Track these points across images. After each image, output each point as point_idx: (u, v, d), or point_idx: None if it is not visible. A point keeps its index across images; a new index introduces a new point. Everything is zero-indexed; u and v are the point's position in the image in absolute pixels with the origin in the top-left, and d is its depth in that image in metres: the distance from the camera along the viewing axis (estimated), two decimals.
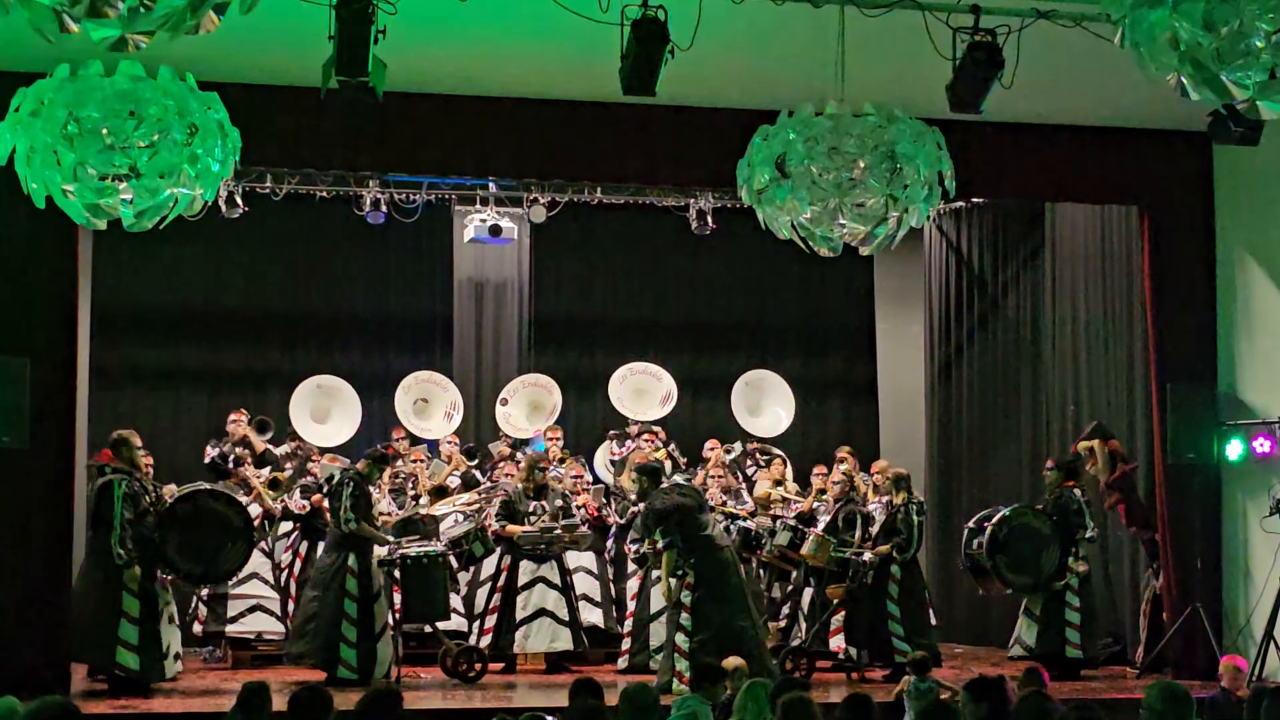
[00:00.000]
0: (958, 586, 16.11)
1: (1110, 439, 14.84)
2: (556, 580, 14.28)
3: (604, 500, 15.33)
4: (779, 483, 16.26)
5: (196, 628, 14.91)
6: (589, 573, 15.12)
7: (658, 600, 13.68)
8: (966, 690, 7.41)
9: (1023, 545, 14.36)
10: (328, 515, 14.12)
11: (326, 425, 16.41)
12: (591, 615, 14.91)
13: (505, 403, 17.09)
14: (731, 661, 10.27)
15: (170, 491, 13.16)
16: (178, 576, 13.07)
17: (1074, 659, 14.13)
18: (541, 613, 14.15)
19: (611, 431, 17.03)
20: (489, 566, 14.72)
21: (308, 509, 14.85)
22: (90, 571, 12.88)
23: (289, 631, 14.29)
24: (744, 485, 16.27)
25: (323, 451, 15.95)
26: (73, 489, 13.00)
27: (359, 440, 16.24)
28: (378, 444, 15.74)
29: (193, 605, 15.01)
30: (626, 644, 14.23)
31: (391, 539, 13.83)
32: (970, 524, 14.82)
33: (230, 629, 14.75)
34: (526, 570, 14.23)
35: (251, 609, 14.78)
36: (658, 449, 15.81)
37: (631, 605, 14.40)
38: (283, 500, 15.13)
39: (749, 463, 16.82)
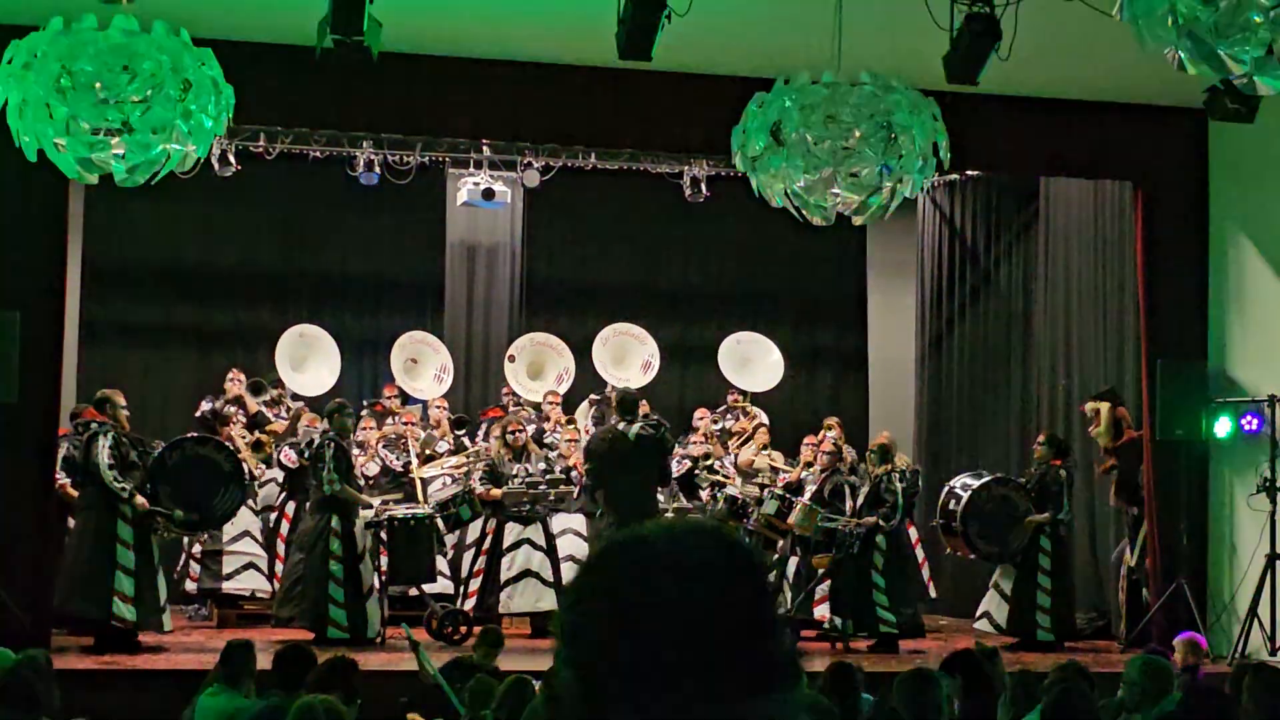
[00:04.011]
0: (945, 558, 16.14)
1: (1119, 405, 14.87)
2: (541, 542, 14.33)
3: None
4: (765, 447, 16.31)
5: (190, 585, 14.93)
6: (577, 534, 15.14)
7: None
8: (942, 666, 7.42)
9: (997, 515, 14.47)
10: (311, 477, 14.11)
11: (304, 375, 16.43)
12: None
13: (512, 359, 17.10)
14: None
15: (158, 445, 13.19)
16: (174, 525, 13.09)
17: (1045, 641, 14.20)
18: (526, 574, 14.20)
19: (591, 395, 16.99)
20: (474, 531, 14.75)
21: (296, 463, 14.83)
22: (82, 526, 12.88)
23: (274, 592, 14.36)
24: (728, 454, 16.27)
25: (296, 398, 15.99)
26: (58, 443, 13.00)
27: (349, 395, 16.23)
28: (364, 401, 15.78)
29: (181, 562, 15.02)
30: None
31: (375, 503, 13.87)
32: (951, 484, 14.91)
33: (226, 586, 14.78)
34: (512, 532, 14.29)
35: (245, 566, 14.81)
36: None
37: None
38: (270, 452, 15.14)
39: (728, 415, 16.87)
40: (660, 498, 14.05)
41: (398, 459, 15.21)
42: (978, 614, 14.78)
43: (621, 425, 13.31)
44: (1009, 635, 14.29)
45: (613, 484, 13.26)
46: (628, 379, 16.99)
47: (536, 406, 16.54)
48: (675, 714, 1.79)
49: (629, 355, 17.41)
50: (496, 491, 14.28)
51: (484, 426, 16.25)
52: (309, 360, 16.59)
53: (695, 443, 15.65)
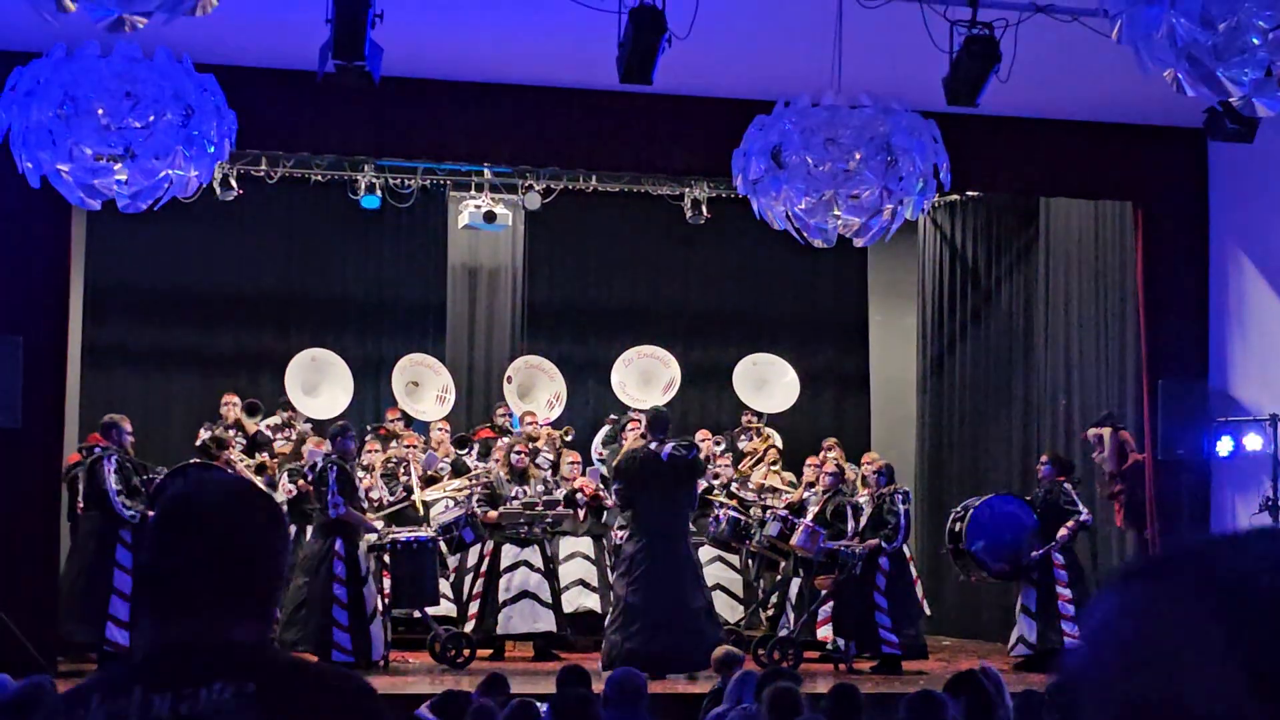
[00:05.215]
0: (947, 579, 16.14)
1: (1120, 428, 14.86)
2: (539, 564, 14.31)
3: (601, 482, 15.27)
4: (774, 463, 16.32)
5: None
6: (586, 557, 15.12)
7: None
8: (946, 688, 7.42)
9: (1004, 533, 14.43)
10: (315, 500, 14.14)
11: (318, 399, 16.44)
12: (588, 600, 14.92)
13: (510, 380, 17.12)
14: (720, 650, 10.30)
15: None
16: None
17: None
18: (524, 595, 14.18)
19: (611, 416, 16.99)
20: (474, 554, 14.74)
21: (294, 494, 14.84)
22: (80, 550, 12.90)
23: (277, 618, 14.36)
24: (734, 474, 16.26)
25: (309, 422, 15.99)
26: (62, 468, 13.01)
27: (352, 418, 16.25)
28: (368, 425, 15.79)
29: None
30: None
31: (379, 525, 13.88)
32: (958, 509, 14.88)
33: None
34: (509, 554, 14.27)
35: None
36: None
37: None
38: (274, 474, 15.15)
39: (742, 436, 16.87)
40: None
41: (397, 488, 15.16)
42: (1011, 642, 14.58)
43: (653, 445, 13.24)
44: (1040, 654, 14.19)
45: (641, 504, 13.19)
46: (646, 400, 16.99)
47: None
48: (166, 609, 2.38)
49: (655, 377, 17.42)
50: (494, 514, 14.28)
51: (474, 447, 16.23)
52: (322, 384, 16.59)
53: (720, 466, 15.65)
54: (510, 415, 16.75)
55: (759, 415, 17.31)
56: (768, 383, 17.79)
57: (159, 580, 2.41)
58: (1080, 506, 14.49)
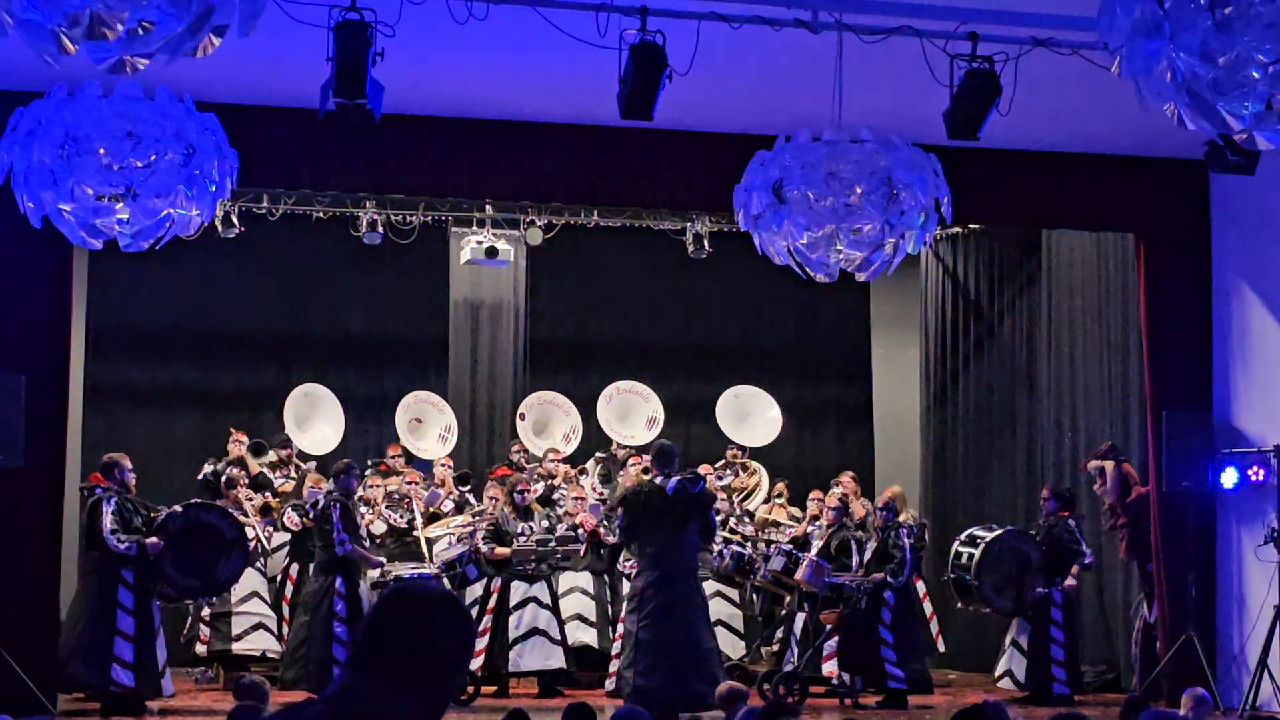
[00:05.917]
0: (954, 612, 16.09)
1: (1123, 460, 14.85)
2: (547, 600, 14.27)
3: (603, 518, 15.25)
4: (778, 496, 16.28)
5: (200, 647, 14.88)
6: (585, 593, 15.09)
7: None
8: None
9: (1009, 568, 14.44)
10: (317, 538, 14.16)
11: (309, 433, 16.43)
12: (586, 635, 14.87)
13: (524, 417, 17.13)
14: (724, 686, 10.25)
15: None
16: (175, 592, 13.07)
17: (1061, 695, 14.14)
18: (534, 632, 14.13)
19: (598, 454, 16.98)
20: (477, 590, 14.69)
21: (299, 525, 14.84)
22: (84, 592, 12.88)
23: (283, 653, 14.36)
24: (739, 510, 16.23)
25: (304, 458, 15.99)
26: (64, 507, 12.99)
27: (354, 455, 16.24)
28: (369, 460, 15.78)
29: (188, 625, 14.98)
30: (615, 665, 14.14)
31: (384, 561, 13.87)
32: (962, 537, 14.87)
33: (236, 647, 14.72)
34: (518, 591, 14.22)
35: (255, 627, 14.77)
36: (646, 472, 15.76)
37: (621, 626, 14.34)
38: (276, 516, 15.15)
39: (727, 471, 16.85)
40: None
41: (401, 517, 15.21)
42: (998, 674, 14.66)
43: (659, 479, 13.19)
44: (1028, 690, 14.22)
45: (647, 539, 13.12)
46: (633, 436, 16.98)
47: None
48: (349, 663, 2.86)
49: (633, 412, 17.40)
50: (503, 550, 14.22)
51: (473, 484, 16.23)
52: (313, 419, 16.60)
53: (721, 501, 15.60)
54: (525, 452, 16.75)
55: (743, 449, 17.26)
56: (750, 415, 17.75)
57: (353, 638, 2.99)
58: (1084, 547, 14.49)
